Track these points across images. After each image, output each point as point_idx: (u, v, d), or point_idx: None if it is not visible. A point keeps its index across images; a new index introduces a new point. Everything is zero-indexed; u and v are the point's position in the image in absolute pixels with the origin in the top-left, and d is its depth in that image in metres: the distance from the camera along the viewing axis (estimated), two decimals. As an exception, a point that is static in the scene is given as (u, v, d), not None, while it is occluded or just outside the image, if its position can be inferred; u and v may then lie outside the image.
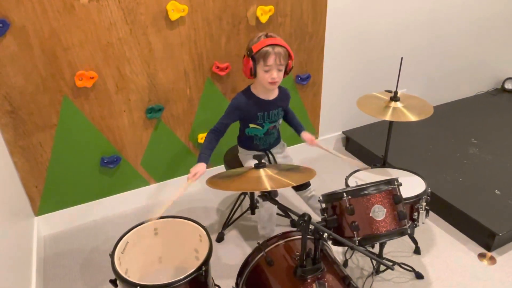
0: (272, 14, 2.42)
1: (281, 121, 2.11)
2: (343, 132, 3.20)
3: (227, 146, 2.38)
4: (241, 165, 2.18)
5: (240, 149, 2.18)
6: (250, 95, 1.96)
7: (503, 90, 3.86)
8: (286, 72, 1.89)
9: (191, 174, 1.82)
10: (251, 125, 2.01)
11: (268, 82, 1.86)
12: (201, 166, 1.86)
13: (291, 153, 2.26)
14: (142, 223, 1.71)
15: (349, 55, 2.88)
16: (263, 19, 2.39)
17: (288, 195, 2.67)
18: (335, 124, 3.16)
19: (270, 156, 2.13)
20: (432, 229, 2.38)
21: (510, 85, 3.83)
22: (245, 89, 2.00)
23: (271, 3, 2.39)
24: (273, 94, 1.99)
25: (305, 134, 2.14)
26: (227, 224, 2.38)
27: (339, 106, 3.05)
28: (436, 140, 3.04)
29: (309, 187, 2.16)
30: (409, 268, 2.04)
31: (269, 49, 1.78)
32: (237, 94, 2.00)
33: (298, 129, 2.17)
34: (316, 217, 2.20)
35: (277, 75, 1.84)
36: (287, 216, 2.44)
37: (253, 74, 1.86)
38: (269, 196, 1.48)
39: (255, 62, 1.82)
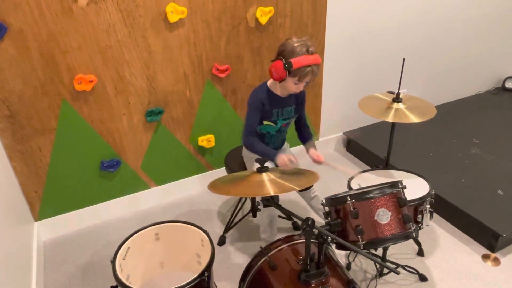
0: (272, 15, 2.40)
1: (293, 120, 2.08)
2: (344, 133, 3.18)
3: (228, 148, 2.36)
4: (243, 167, 2.16)
5: (246, 150, 2.14)
6: (267, 91, 1.94)
7: (503, 89, 3.85)
8: None
9: (289, 163, 1.81)
10: (265, 122, 1.99)
11: (294, 90, 1.87)
12: (283, 154, 1.84)
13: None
14: (144, 227, 1.69)
15: (349, 55, 2.86)
16: (263, 20, 2.38)
17: (290, 195, 2.65)
18: (336, 125, 3.14)
19: None
20: (435, 230, 2.37)
21: (510, 84, 3.82)
22: (262, 85, 1.96)
23: (270, 4, 2.38)
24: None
25: (312, 152, 2.02)
26: (228, 227, 2.36)
27: (339, 107, 3.04)
28: (437, 140, 3.02)
29: (312, 188, 2.15)
30: (412, 270, 2.03)
31: (309, 69, 1.75)
32: (255, 90, 1.97)
33: (304, 140, 2.11)
34: (318, 218, 2.19)
35: (302, 87, 1.87)
36: (290, 219, 2.43)
37: (282, 81, 1.83)
38: (272, 200, 1.46)
39: (289, 74, 1.78)
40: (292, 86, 1.84)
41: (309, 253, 1.38)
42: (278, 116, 1.98)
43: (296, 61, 1.74)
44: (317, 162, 1.99)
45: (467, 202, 2.33)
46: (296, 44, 1.75)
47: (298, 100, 2.02)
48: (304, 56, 1.74)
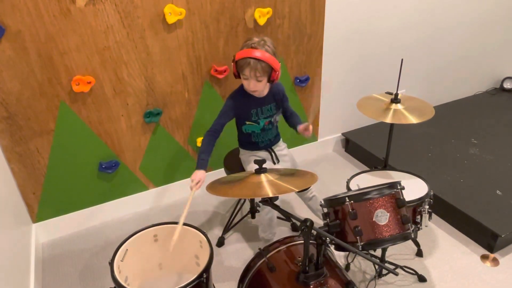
0: (270, 16, 2.40)
1: (278, 117, 2.09)
2: (343, 134, 3.18)
3: (227, 149, 2.36)
4: (242, 168, 2.16)
5: (242, 151, 2.16)
6: (242, 93, 1.97)
7: (502, 89, 3.85)
8: (270, 81, 1.88)
9: (193, 183, 1.80)
10: (247, 122, 2.02)
11: (248, 88, 1.89)
12: (201, 173, 1.84)
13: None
14: (142, 229, 1.69)
15: (348, 56, 2.86)
16: (261, 21, 2.38)
17: (288, 196, 2.65)
18: (335, 126, 3.14)
19: (273, 154, 2.12)
20: (434, 231, 2.36)
21: (509, 85, 3.83)
22: (238, 88, 2.01)
23: (269, 5, 2.37)
24: (265, 91, 1.99)
25: (300, 127, 2.03)
26: (227, 228, 2.36)
27: (338, 107, 3.04)
28: (436, 141, 3.02)
29: (310, 188, 2.15)
30: (411, 271, 2.03)
31: (245, 61, 1.79)
32: (231, 93, 2.01)
33: (295, 126, 2.09)
34: (316, 219, 2.19)
35: (254, 86, 1.86)
36: (288, 220, 2.42)
37: (237, 77, 1.91)
38: (270, 201, 1.46)
39: (238, 70, 1.86)
40: (245, 83, 1.89)
41: (307, 254, 1.38)
42: (258, 116, 2.00)
43: (238, 54, 1.82)
44: (307, 132, 1.98)
45: (466, 202, 2.33)
46: (248, 41, 1.83)
47: (276, 96, 2.02)
48: (245, 49, 1.80)
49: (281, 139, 2.20)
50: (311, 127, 1.97)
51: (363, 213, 1.48)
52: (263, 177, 1.44)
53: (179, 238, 1.71)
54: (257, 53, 1.77)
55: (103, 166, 2.35)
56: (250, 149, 2.12)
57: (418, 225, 1.74)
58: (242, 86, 1.99)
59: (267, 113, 2.02)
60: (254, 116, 1.99)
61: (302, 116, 2.85)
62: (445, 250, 2.22)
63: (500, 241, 2.15)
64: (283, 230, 2.38)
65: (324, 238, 1.38)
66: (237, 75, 1.89)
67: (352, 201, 1.49)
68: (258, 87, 1.88)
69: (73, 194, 2.37)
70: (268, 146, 2.12)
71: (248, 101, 1.96)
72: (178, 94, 2.38)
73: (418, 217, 1.74)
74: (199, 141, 2.56)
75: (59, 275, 2.17)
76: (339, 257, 2.16)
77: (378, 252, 2.01)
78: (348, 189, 1.93)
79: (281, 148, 2.18)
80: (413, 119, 1.88)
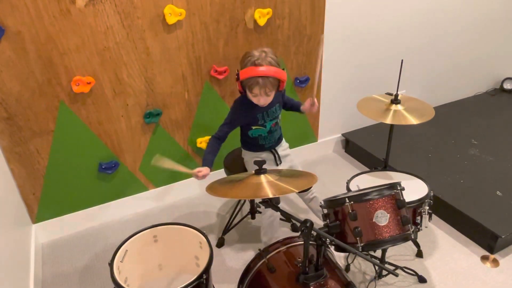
0: (270, 17, 2.40)
1: (280, 116, 2.08)
2: (343, 135, 3.18)
3: (227, 150, 2.35)
4: (242, 169, 2.16)
5: (244, 151, 2.14)
6: (247, 100, 1.94)
7: (502, 90, 3.85)
8: (278, 90, 1.87)
9: (195, 171, 1.82)
10: (254, 127, 2.00)
11: (256, 103, 1.87)
12: (205, 168, 1.86)
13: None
14: (142, 230, 1.69)
15: (348, 57, 2.86)
16: (261, 22, 2.38)
17: (289, 196, 2.65)
18: (335, 127, 3.14)
19: (276, 155, 2.11)
20: (434, 231, 2.36)
21: (509, 85, 3.83)
22: (242, 97, 1.97)
23: (269, 6, 2.37)
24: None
25: (304, 106, 2.05)
26: (227, 229, 2.36)
27: (338, 108, 3.03)
28: (436, 142, 3.02)
29: (310, 189, 2.15)
30: (411, 272, 2.03)
31: (254, 81, 1.76)
32: (235, 101, 1.99)
33: (297, 108, 2.10)
34: (317, 219, 2.19)
35: (264, 101, 1.85)
36: (289, 220, 2.42)
37: (243, 93, 1.88)
38: (271, 202, 1.46)
39: (243, 86, 1.83)
40: (254, 100, 1.86)
41: (307, 255, 1.38)
42: (264, 119, 1.98)
43: (242, 73, 1.78)
44: (313, 107, 1.99)
45: (466, 203, 2.33)
46: (249, 56, 1.78)
47: (279, 96, 2.01)
48: (249, 67, 1.75)
49: (283, 139, 2.20)
50: (315, 100, 1.96)
51: (363, 214, 1.48)
52: (263, 177, 1.43)
53: (179, 238, 1.71)
54: (263, 69, 1.74)
55: (103, 167, 2.35)
56: (254, 151, 2.11)
57: (418, 226, 1.74)
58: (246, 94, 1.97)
59: (273, 115, 2.00)
60: (260, 120, 1.98)
61: (302, 116, 2.87)
62: (445, 251, 2.22)
63: (500, 242, 2.15)
64: (283, 231, 2.38)
65: (324, 239, 1.38)
66: (243, 92, 1.86)
67: (352, 202, 1.49)
68: (268, 101, 1.87)
69: (73, 195, 2.37)
70: (273, 147, 2.11)
71: (253, 107, 1.94)
72: (178, 94, 2.38)
73: (418, 218, 1.74)
74: (199, 141, 2.56)
75: (58, 276, 2.16)
76: (339, 258, 2.15)
77: (378, 253, 2.01)
78: (348, 189, 1.93)
79: (284, 148, 2.18)
80: (413, 120, 1.88)
